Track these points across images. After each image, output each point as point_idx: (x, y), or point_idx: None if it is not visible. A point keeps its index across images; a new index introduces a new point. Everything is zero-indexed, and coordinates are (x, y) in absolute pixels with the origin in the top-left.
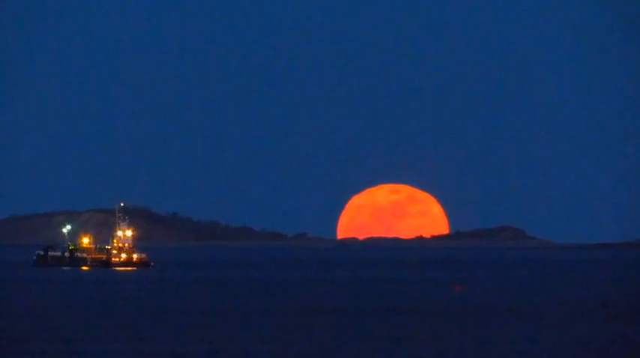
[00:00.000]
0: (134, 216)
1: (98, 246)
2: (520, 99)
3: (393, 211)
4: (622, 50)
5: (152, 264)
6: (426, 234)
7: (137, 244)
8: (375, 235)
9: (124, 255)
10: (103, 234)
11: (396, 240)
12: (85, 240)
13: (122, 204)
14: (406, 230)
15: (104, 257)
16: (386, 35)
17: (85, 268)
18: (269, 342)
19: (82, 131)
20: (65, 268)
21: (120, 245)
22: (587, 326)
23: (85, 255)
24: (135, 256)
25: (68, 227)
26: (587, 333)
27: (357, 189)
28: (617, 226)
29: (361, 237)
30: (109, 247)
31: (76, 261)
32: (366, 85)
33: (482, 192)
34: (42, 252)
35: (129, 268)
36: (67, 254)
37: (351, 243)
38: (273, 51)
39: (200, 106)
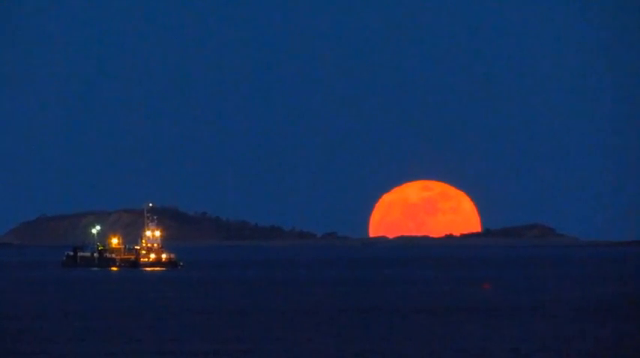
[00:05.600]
0: (163, 216)
1: (127, 246)
2: (549, 96)
3: (424, 208)
4: None
5: (181, 264)
6: (456, 233)
7: (166, 244)
8: (405, 234)
9: (152, 255)
10: (132, 235)
11: (425, 238)
12: (114, 241)
13: (150, 205)
14: (437, 227)
15: (133, 257)
16: (414, 31)
17: (113, 268)
18: (290, 342)
19: (110, 132)
20: (94, 269)
21: (148, 245)
22: (613, 324)
23: (113, 255)
24: (163, 256)
25: (97, 227)
26: (612, 331)
27: (388, 186)
28: None
29: (391, 235)
30: (138, 247)
31: (104, 262)
32: (397, 81)
33: (512, 189)
34: (71, 253)
35: (157, 268)
36: (95, 254)
37: (380, 242)
38: (300, 46)
39: (229, 106)
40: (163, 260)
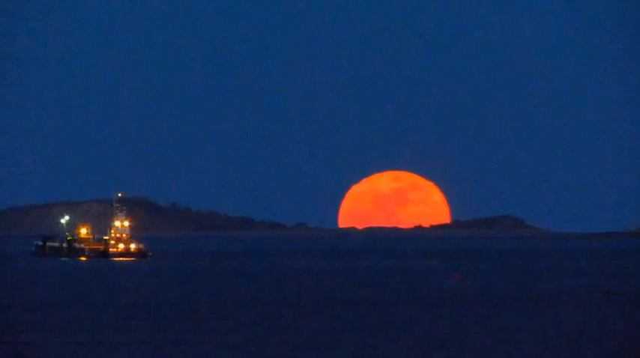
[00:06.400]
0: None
1: (96, 236)
2: (520, 88)
3: (394, 199)
4: (623, 41)
5: (150, 254)
6: (426, 224)
7: (136, 234)
8: (375, 225)
9: (121, 246)
10: (102, 225)
11: (395, 229)
12: (83, 231)
13: (120, 195)
14: (407, 218)
15: (102, 247)
16: (387, 26)
17: (83, 259)
18: (259, 332)
19: (81, 122)
20: (63, 259)
21: (117, 235)
22: (584, 316)
23: (82, 245)
24: (132, 246)
25: (66, 217)
26: (583, 322)
27: (358, 177)
28: (617, 215)
29: (360, 226)
30: (107, 238)
31: (74, 252)
32: (367, 73)
33: (483, 180)
34: (40, 243)
35: (127, 258)
36: (65, 244)
37: (349, 233)
38: (273, 42)
39: (199, 97)
40: (132, 250)
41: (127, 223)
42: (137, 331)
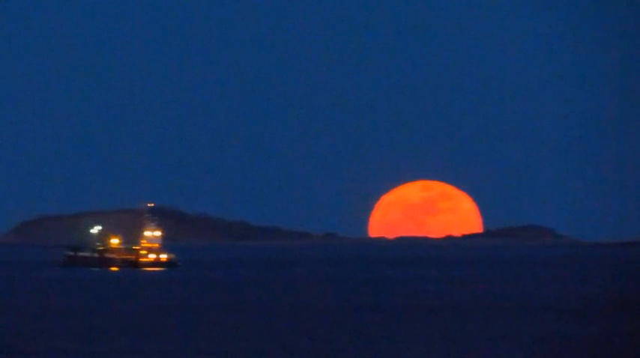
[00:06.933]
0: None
1: (127, 246)
2: (552, 96)
3: (424, 208)
4: None
5: (180, 264)
6: (456, 233)
7: (165, 244)
8: (405, 234)
9: (152, 256)
10: (132, 235)
11: (425, 239)
12: (114, 241)
13: (150, 205)
14: (438, 227)
15: (132, 257)
16: (413, 31)
17: (113, 269)
18: (290, 341)
19: (111, 131)
20: (94, 269)
21: (148, 245)
22: (603, 324)
23: (113, 255)
24: (163, 256)
25: (97, 228)
26: (601, 331)
27: (388, 187)
28: None
29: (391, 236)
30: (138, 248)
31: (104, 262)
32: (398, 81)
33: (512, 190)
34: (71, 253)
35: (157, 268)
36: (95, 254)
37: (379, 243)
38: (300, 46)
39: (229, 106)
40: (163, 260)
41: (158, 233)
42: (165, 340)
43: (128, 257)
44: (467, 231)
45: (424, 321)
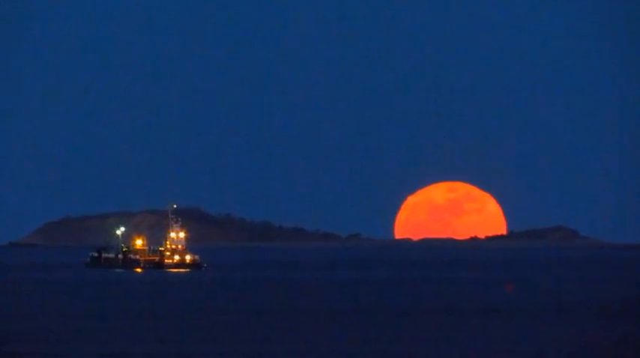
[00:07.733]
0: (187, 217)
1: (151, 247)
2: (578, 98)
3: (450, 209)
4: None
5: (205, 265)
6: (481, 235)
7: (190, 245)
8: (430, 235)
9: (176, 257)
10: (156, 236)
11: (450, 240)
12: (138, 242)
13: (175, 206)
14: (463, 229)
15: (157, 258)
16: (434, 30)
17: (137, 270)
18: (313, 343)
19: (136, 132)
20: (118, 270)
21: (173, 246)
22: (627, 326)
23: (138, 256)
24: (187, 258)
25: (122, 229)
26: (629, 333)
27: (413, 188)
28: None
29: (416, 237)
30: (162, 249)
31: (129, 263)
32: (422, 82)
33: (537, 191)
34: (95, 254)
35: (181, 269)
36: (120, 255)
37: (404, 244)
38: (322, 45)
39: (253, 108)
40: (187, 261)
41: (182, 234)
42: (189, 342)
43: (152, 258)
44: (491, 233)
45: (455, 322)
